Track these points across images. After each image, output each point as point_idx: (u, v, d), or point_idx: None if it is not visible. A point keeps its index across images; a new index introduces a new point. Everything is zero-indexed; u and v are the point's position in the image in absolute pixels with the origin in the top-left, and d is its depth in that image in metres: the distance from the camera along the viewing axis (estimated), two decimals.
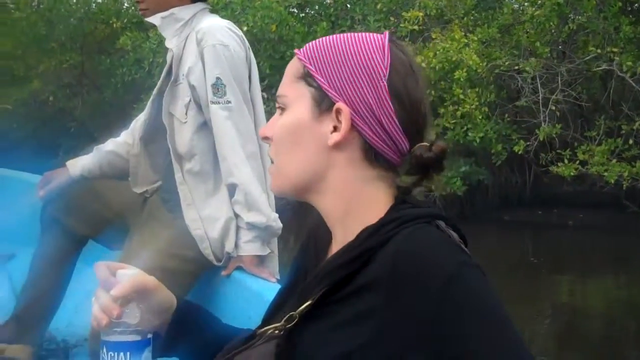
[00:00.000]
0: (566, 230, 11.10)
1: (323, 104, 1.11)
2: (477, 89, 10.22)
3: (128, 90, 12.37)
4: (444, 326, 0.94)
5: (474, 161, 11.21)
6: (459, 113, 10.12)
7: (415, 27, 10.59)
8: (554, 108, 10.31)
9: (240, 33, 2.55)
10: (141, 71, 11.50)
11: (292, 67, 1.16)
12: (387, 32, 1.16)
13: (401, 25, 10.69)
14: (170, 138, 2.53)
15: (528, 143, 10.31)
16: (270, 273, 2.50)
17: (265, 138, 1.18)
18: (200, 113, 2.49)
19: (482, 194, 12.11)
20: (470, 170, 10.98)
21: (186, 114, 2.50)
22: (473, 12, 11.37)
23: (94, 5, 12.05)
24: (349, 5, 12.03)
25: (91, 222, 2.77)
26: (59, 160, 14.51)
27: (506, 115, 11.00)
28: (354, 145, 1.10)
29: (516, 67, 10.63)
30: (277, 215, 2.49)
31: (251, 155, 2.43)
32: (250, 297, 2.34)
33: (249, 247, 2.48)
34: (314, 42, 1.16)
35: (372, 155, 1.10)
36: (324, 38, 1.16)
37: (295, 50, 1.18)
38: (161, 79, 2.62)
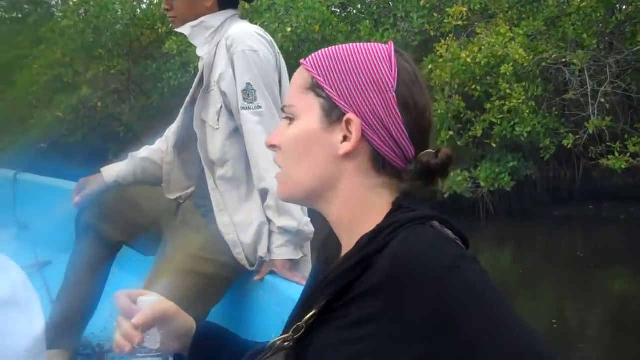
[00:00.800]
0: (617, 223, 10.92)
1: (333, 114, 1.12)
2: (523, 83, 10.12)
3: (174, 94, 12.50)
4: (444, 317, 0.95)
5: (521, 156, 11.09)
6: (505, 108, 10.03)
7: (460, 22, 10.53)
8: (603, 100, 10.15)
9: (270, 38, 2.55)
10: (187, 75, 11.64)
11: (300, 78, 1.17)
12: (391, 43, 1.18)
13: (445, 21, 10.64)
14: (202, 145, 2.54)
15: (577, 137, 10.16)
16: (303, 277, 2.47)
17: (273, 146, 1.20)
18: (232, 119, 2.49)
19: (530, 189, 11.97)
20: (518, 165, 10.88)
21: (218, 120, 2.50)
22: (518, 5, 11.25)
23: (139, 11, 12.18)
24: (391, 3, 12.00)
25: (125, 228, 2.79)
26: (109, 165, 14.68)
27: (554, 109, 10.86)
28: (362, 155, 1.12)
29: (563, 60, 10.49)
30: (308, 219, 2.49)
31: None
32: (283, 301, 2.33)
33: (282, 252, 2.48)
34: (320, 52, 1.17)
35: (380, 164, 1.12)
36: (329, 48, 1.17)
37: (302, 61, 1.18)
38: (193, 86, 2.64)
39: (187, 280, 2.41)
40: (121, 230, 2.79)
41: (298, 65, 1.18)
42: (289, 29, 10.50)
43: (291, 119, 1.16)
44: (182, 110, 2.68)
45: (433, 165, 1.10)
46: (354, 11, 12.64)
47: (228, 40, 2.45)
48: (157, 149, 2.86)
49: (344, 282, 1.05)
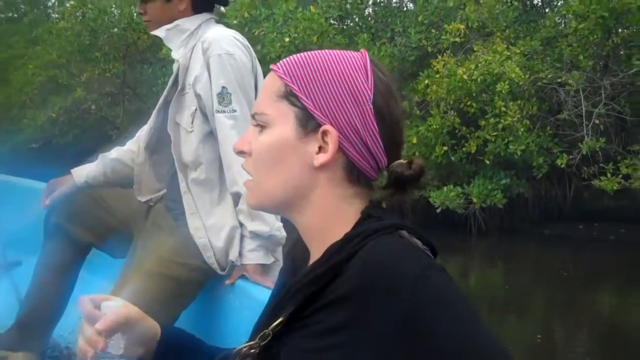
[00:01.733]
0: (607, 244, 10.96)
1: (309, 124, 1.11)
2: (519, 102, 10.16)
3: None
4: (415, 324, 0.95)
5: (514, 174, 11.14)
6: (500, 125, 10.08)
7: (457, 39, 10.59)
8: (597, 122, 10.21)
9: (247, 43, 2.54)
10: None
11: (272, 85, 1.14)
12: (364, 50, 1.16)
13: (442, 37, 10.70)
14: (175, 147, 2.53)
15: (570, 156, 10.21)
16: (274, 282, 2.49)
17: (241, 152, 1.18)
18: (206, 122, 2.49)
19: (522, 207, 11.99)
20: (511, 182, 10.92)
21: (192, 123, 2.49)
22: (515, 24, 11.32)
23: (136, 15, 12.16)
24: (389, 18, 12.05)
25: (95, 230, 2.76)
26: None
27: (548, 128, 10.93)
28: (337, 165, 1.10)
29: (559, 80, 10.55)
30: (281, 224, 2.49)
31: None
32: (254, 305, 2.30)
33: (253, 256, 2.47)
34: (292, 58, 1.14)
35: (355, 175, 1.11)
36: (301, 54, 1.15)
37: (273, 67, 1.15)
38: (167, 89, 2.61)
39: (157, 284, 2.39)
40: (90, 232, 2.76)
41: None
42: (287, 39, 10.51)
43: (262, 127, 1.14)
44: (154, 112, 2.66)
45: (406, 175, 1.10)
46: (352, 24, 12.67)
47: (204, 43, 2.45)
48: (128, 149, 2.84)
49: (311, 290, 1.05)
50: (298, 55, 1.14)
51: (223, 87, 2.40)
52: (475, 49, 10.61)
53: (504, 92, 9.85)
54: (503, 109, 9.98)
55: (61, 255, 2.76)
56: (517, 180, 11.19)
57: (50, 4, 19.20)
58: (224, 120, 2.40)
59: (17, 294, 3.29)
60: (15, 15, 19.01)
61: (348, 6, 12.22)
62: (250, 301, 2.40)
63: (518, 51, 10.34)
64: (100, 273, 3.01)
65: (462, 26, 10.67)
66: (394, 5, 12.71)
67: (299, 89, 1.11)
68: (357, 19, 12.59)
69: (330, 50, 1.15)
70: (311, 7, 10.87)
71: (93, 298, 1.21)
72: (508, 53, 10.18)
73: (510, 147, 10.13)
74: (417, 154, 10.54)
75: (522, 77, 9.94)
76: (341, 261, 1.04)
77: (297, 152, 1.11)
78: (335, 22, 12.30)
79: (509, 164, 11.04)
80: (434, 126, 10.18)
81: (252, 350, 1.11)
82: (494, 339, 0.96)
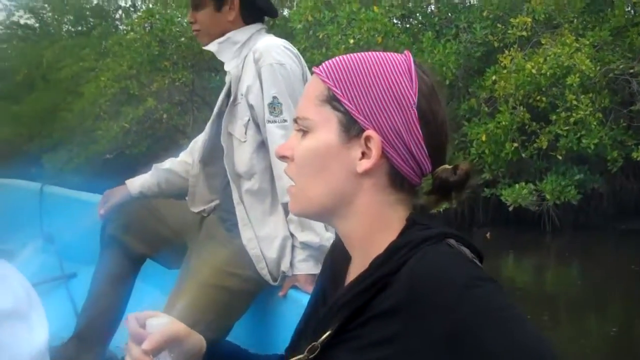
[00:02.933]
0: None
1: (352, 129, 1.09)
2: (590, 95, 9.91)
3: None
4: (463, 336, 0.93)
5: (588, 169, 10.86)
6: (572, 119, 9.85)
7: (524, 33, 10.39)
8: None
9: (296, 51, 2.57)
10: None
11: (314, 89, 1.12)
12: (408, 52, 1.15)
13: (509, 31, 10.52)
14: (228, 158, 2.55)
15: None
16: None
17: (283, 157, 1.16)
18: (259, 132, 2.51)
19: (596, 202, 11.72)
20: (585, 178, 10.66)
21: (245, 133, 2.52)
22: (583, 15, 11.04)
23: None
24: (452, 14, 11.92)
25: (149, 241, 2.80)
26: None
27: (621, 121, 10.64)
28: (381, 171, 1.09)
29: (630, 71, 10.25)
30: (331, 234, 2.47)
31: None
32: None
33: (304, 266, 2.49)
34: (334, 61, 1.13)
35: (399, 181, 1.10)
36: (344, 57, 1.13)
37: (315, 70, 1.14)
38: (220, 100, 2.66)
39: (211, 294, 2.44)
40: (145, 243, 2.80)
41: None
42: (351, 41, 10.51)
43: (304, 131, 1.13)
44: (208, 124, 2.71)
45: (452, 181, 1.10)
46: (415, 22, 12.58)
47: (255, 53, 2.48)
48: (182, 161, 2.89)
49: (359, 303, 1.04)
50: (341, 57, 1.13)
51: (274, 97, 2.42)
52: (543, 42, 10.38)
53: (574, 85, 9.62)
54: (574, 102, 9.75)
55: (117, 266, 2.81)
56: (591, 175, 10.90)
57: (117, 16, 19.67)
58: (275, 130, 2.42)
59: (73, 306, 3.37)
60: (85, 29, 19.51)
61: (411, 4, 12.15)
62: (302, 311, 2.42)
63: (587, 42, 10.08)
64: (155, 283, 3.10)
65: (529, 19, 10.45)
66: (457, 1, 12.55)
67: (342, 93, 1.09)
68: (420, 17, 12.48)
69: (373, 53, 1.14)
70: (374, 7, 10.82)
71: (139, 316, 1.21)
72: (577, 45, 9.94)
73: (583, 141, 9.88)
74: (486, 151, 10.42)
75: (593, 69, 9.69)
76: (388, 273, 1.03)
77: (340, 158, 1.10)
78: (399, 22, 12.22)
79: (582, 159, 10.78)
80: (503, 123, 10.02)
81: None
82: (541, 339, 0.93)
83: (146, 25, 12.68)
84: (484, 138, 10.26)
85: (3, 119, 18.95)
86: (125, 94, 13.40)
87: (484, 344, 0.92)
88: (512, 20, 10.54)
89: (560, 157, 10.31)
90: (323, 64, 1.14)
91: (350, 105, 1.08)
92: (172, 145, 14.43)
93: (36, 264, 3.67)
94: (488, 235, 10.96)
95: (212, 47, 2.63)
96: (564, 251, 10.90)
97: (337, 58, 1.13)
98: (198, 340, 1.26)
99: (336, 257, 1.23)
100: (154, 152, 15.05)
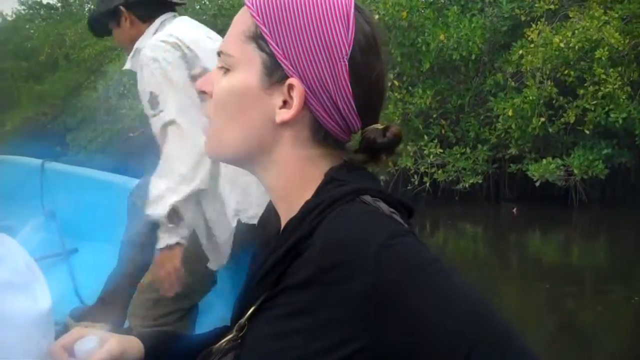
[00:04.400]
0: None
1: (275, 74, 0.99)
2: (619, 68, 9.81)
3: None
4: (383, 300, 0.87)
5: (616, 143, 10.77)
6: (600, 94, 9.76)
7: (552, 6, 10.29)
8: None
9: (183, 38, 2.50)
10: None
11: (242, 23, 1.01)
12: None
13: (536, 5, 10.41)
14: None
15: None
16: None
17: (203, 92, 1.06)
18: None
19: (624, 177, 11.63)
20: (613, 152, 10.57)
21: None
22: None
23: (227, 2, 12.31)
24: None
25: None
26: None
27: None
28: (302, 124, 1.00)
29: None
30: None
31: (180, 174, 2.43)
32: None
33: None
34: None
35: (322, 135, 1.01)
36: None
37: (246, 0, 1.02)
38: None
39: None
40: None
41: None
42: (376, 17, 10.43)
43: (227, 70, 1.03)
44: None
45: (379, 143, 1.01)
46: None
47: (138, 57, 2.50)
48: None
49: (275, 275, 0.98)
50: None
51: (150, 93, 2.40)
52: (570, 15, 10.28)
53: (603, 58, 9.53)
54: (603, 76, 9.66)
55: (142, 235, 2.83)
56: (618, 149, 10.82)
57: None
58: (156, 123, 2.41)
59: (73, 281, 3.42)
60: None
61: None
62: None
63: (616, 15, 9.96)
64: None
65: None
66: None
67: (269, 32, 0.99)
68: None
69: None
70: None
71: (65, 342, 1.12)
72: (606, 18, 9.83)
73: (611, 115, 9.80)
74: (513, 126, 10.35)
75: (622, 42, 9.59)
76: (300, 239, 0.96)
77: (259, 103, 1.01)
78: None
79: (610, 134, 10.70)
80: (530, 97, 9.94)
81: (233, 343, 1.04)
82: (474, 295, 0.87)
83: None
84: (510, 113, 10.19)
85: (27, 99, 19.07)
86: None
87: (410, 302, 0.86)
88: None
89: (587, 132, 10.24)
90: None
91: (277, 48, 0.98)
92: None
93: (37, 239, 3.74)
94: (514, 210, 10.92)
95: (128, 66, 2.62)
96: (590, 226, 10.84)
97: None
98: (135, 349, 1.18)
99: (271, 220, 1.14)
100: None
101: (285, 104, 0.99)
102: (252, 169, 1.07)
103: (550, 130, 10.34)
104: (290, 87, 0.98)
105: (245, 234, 2.47)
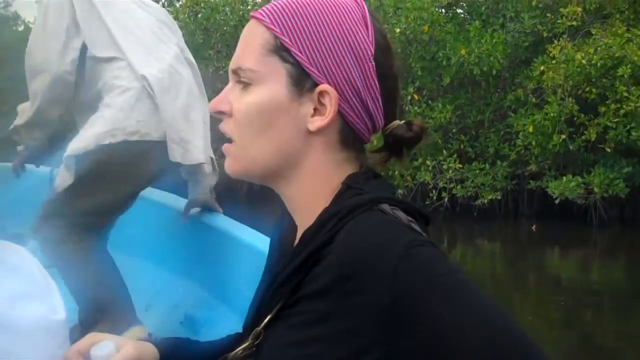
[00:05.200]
0: None
1: (303, 83, 0.98)
2: None
3: None
4: (401, 310, 0.85)
5: (637, 162, 10.66)
6: (621, 112, 9.67)
7: (574, 22, 10.22)
8: None
9: None
10: None
11: (257, 36, 0.99)
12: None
13: (558, 21, 10.35)
14: None
15: None
16: None
17: (220, 112, 1.02)
18: None
19: None
20: (633, 171, 10.46)
21: None
22: (635, 5, 10.81)
23: (249, 13, 12.33)
24: (500, 4, 11.77)
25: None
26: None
27: None
28: (333, 129, 0.99)
29: None
30: None
31: None
32: None
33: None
34: (278, 5, 0.99)
35: (351, 138, 1.01)
36: (288, 0, 1.00)
37: (255, 15, 1.00)
38: None
39: None
40: None
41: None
42: (397, 30, 10.45)
43: (247, 84, 1.00)
44: None
45: (407, 137, 1.02)
46: (461, 11, 12.44)
47: None
48: None
49: (293, 283, 0.96)
50: (284, 1, 1.00)
51: None
52: (593, 32, 10.21)
53: (625, 76, 9.44)
54: (625, 94, 9.57)
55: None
56: (639, 168, 10.71)
57: (160, 4, 19.77)
58: None
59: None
60: None
61: None
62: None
63: (639, 33, 9.88)
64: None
65: (579, 9, 10.28)
66: None
67: (293, 42, 0.98)
68: (466, 6, 12.35)
69: (321, 0, 0.99)
70: None
71: (80, 347, 1.12)
72: (629, 35, 9.75)
73: (633, 133, 9.70)
74: (533, 143, 10.28)
75: None
76: (318, 248, 0.94)
77: (289, 114, 0.99)
78: (444, 10, 12.11)
79: (631, 152, 10.58)
80: (552, 114, 9.88)
81: (248, 352, 1.03)
82: (495, 309, 0.86)
83: (191, 13, 12.73)
84: (531, 129, 10.12)
85: None
86: None
87: (427, 313, 0.84)
88: (561, 9, 10.38)
89: (609, 150, 10.14)
90: (264, 8, 1.00)
91: (302, 57, 0.97)
92: (212, 135, 14.50)
93: None
94: (534, 227, 10.82)
95: None
96: (610, 245, 10.73)
97: (280, 1, 1.00)
98: (150, 354, 1.17)
99: (285, 223, 1.13)
100: None
101: (315, 111, 0.98)
102: (275, 182, 1.05)
103: (570, 147, 10.26)
104: (322, 94, 0.97)
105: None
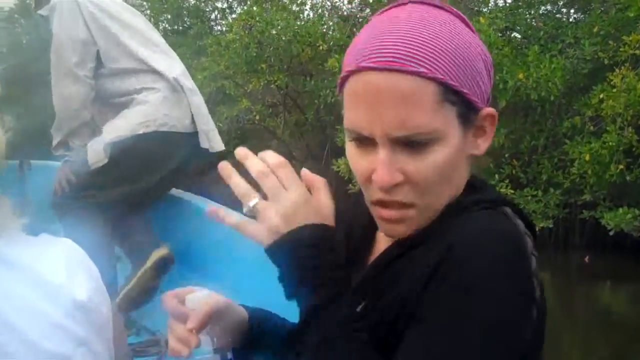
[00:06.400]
0: None
1: (469, 115, 0.98)
2: None
3: (329, 112, 12.59)
4: (433, 283, 0.87)
5: None
6: None
7: (637, 51, 9.98)
8: None
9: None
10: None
11: (423, 94, 0.93)
12: (447, 6, 1.01)
13: (621, 49, 10.12)
14: None
15: None
16: None
17: (395, 185, 0.97)
18: None
19: None
20: None
21: None
22: None
23: (303, 29, 12.35)
24: (558, 30, 11.58)
25: None
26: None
27: None
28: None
29: None
30: None
31: None
32: None
33: None
34: (425, 50, 0.94)
35: (478, 144, 1.03)
36: (421, 38, 0.95)
37: (408, 67, 0.92)
38: None
39: None
40: None
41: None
42: None
43: (417, 145, 0.95)
44: None
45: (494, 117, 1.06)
46: (518, 35, 12.28)
47: None
48: None
49: (399, 267, 0.96)
50: (419, 39, 0.94)
51: None
52: None
53: None
54: None
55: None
56: None
57: (213, 16, 19.96)
58: None
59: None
60: (181, 28, 19.89)
61: (516, 17, 11.86)
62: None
63: None
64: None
65: None
66: (561, 17, 12.20)
67: (457, 82, 0.95)
68: (523, 31, 12.18)
69: (433, 20, 0.97)
70: (481, 17, 10.59)
71: (177, 293, 1.15)
72: None
73: None
74: (589, 172, 10.05)
75: None
76: (433, 231, 0.94)
77: (464, 152, 0.99)
78: (501, 34, 11.94)
79: None
80: (610, 143, 9.63)
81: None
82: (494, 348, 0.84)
83: (245, 26, 12.75)
84: (587, 158, 9.88)
85: None
86: (221, 94, 13.52)
87: (435, 306, 0.86)
88: (624, 37, 10.13)
89: None
90: (408, 57, 0.92)
91: (466, 91, 0.96)
92: (260, 145, 14.55)
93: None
94: (587, 259, 10.55)
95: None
96: None
97: (422, 45, 0.94)
98: (240, 312, 1.19)
99: (357, 220, 1.14)
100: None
101: (476, 132, 1.00)
102: None
103: (628, 178, 9.98)
104: (485, 117, 0.99)
105: None
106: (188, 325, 1.09)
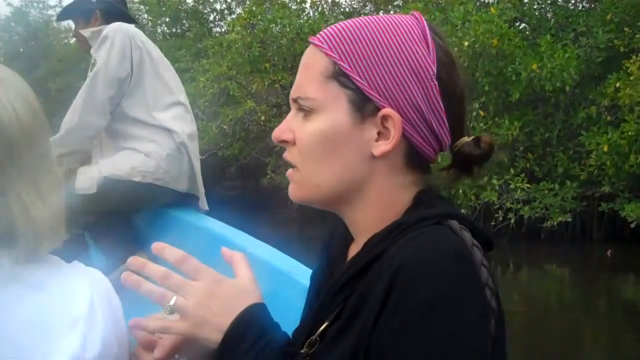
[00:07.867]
0: None
1: (365, 108, 0.97)
2: None
3: None
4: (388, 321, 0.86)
5: None
6: None
7: None
8: None
9: (136, 35, 3.12)
10: None
11: (316, 63, 0.98)
12: (418, 14, 1.01)
13: (636, 36, 9.87)
14: None
15: None
16: None
17: (283, 141, 1.02)
18: None
19: None
20: None
21: None
22: None
23: (306, 26, 12.14)
24: (569, 18, 11.34)
25: None
26: (267, 179, 14.91)
27: None
28: (398, 152, 0.99)
29: None
30: None
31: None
32: None
33: None
34: (336, 29, 0.98)
35: (416, 161, 1.00)
36: (346, 23, 0.99)
37: (313, 40, 0.99)
38: None
39: None
40: None
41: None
42: (465, 43, 10.07)
43: (308, 112, 0.99)
44: None
45: (475, 155, 1.01)
46: (529, 26, 12.05)
47: None
48: None
49: (352, 288, 0.96)
50: (343, 24, 0.99)
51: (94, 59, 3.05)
52: None
53: None
54: None
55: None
56: None
57: (211, 18, 19.78)
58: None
59: None
60: (180, 31, 19.71)
61: (525, 8, 11.63)
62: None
63: None
64: None
65: None
66: (572, 6, 11.98)
67: (351, 67, 0.96)
68: (534, 21, 11.95)
69: (378, 17, 1.00)
70: (492, 8, 10.34)
71: (144, 320, 1.10)
72: None
73: None
74: (607, 163, 9.80)
75: None
76: (379, 254, 0.93)
77: (352, 140, 0.98)
78: (511, 24, 11.72)
79: None
80: (629, 132, 9.39)
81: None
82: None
83: (247, 25, 12.53)
84: (605, 148, 9.63)
85: None
86: (225, 95, 13.30)
87: (393, 344, 0.85)
88: None
89: None
90: (322, 32, 0.99)
91: (362, 82, 0.96)
92: (264, 147, 14.32)
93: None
94: (609, 252, 10.31)
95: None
96: None
97: (338, 25, 0.99)
98: (213, 332, 1.08)
99: (337, 239, 1.14)
100: (245, 153, 15.01)
101: (379, 135, 0.97)
102: (339, 207, 1.04)
103: None
104: (385, 118, 0.96)
105: None
106: (155, 356, 1.07)
